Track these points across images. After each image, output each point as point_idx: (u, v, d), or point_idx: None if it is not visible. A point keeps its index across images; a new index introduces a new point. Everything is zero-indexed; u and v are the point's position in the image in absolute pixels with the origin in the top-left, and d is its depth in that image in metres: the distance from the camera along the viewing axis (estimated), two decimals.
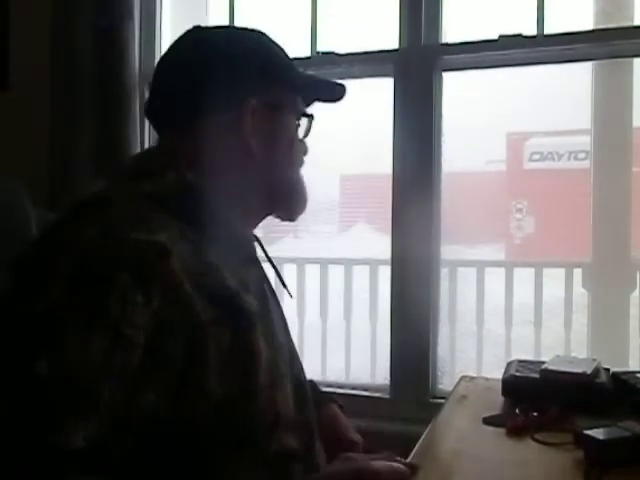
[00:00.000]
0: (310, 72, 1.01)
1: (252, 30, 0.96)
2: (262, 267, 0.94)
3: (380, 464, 0.82)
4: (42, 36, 1.84)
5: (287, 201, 0.96)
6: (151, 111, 0.94)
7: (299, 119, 0.96)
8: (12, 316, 0.69)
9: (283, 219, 0.99)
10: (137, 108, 1.85)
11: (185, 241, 0.78)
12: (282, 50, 0.96)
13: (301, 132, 0.97)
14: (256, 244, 0.96)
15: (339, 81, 0.99)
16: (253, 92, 0.89)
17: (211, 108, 0.88)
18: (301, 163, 0.98)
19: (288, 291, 1.08)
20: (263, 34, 0.96)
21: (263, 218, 0.98)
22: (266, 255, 1.00)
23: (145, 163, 0.90)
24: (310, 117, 0.97)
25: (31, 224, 1.06)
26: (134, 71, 1.86)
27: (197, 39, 0.93)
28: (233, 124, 0.88)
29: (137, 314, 0.69)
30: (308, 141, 0.99)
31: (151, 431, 0.71)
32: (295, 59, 0.98)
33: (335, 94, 0.99)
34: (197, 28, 0.95)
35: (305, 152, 0.99)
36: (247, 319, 0.80)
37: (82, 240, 0.73)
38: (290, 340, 0.95)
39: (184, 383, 0.72)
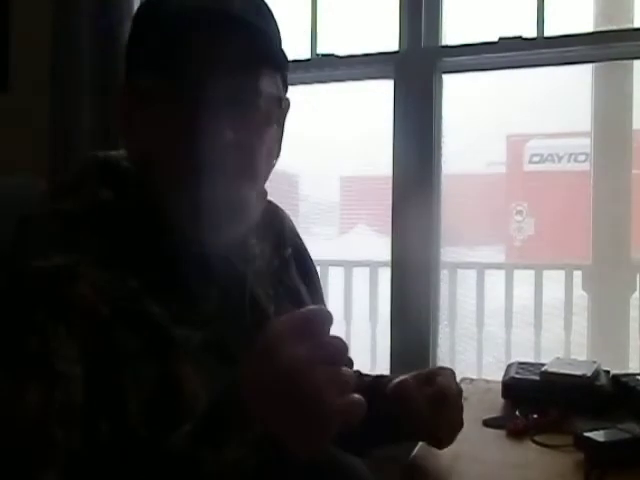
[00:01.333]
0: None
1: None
2: (240, 276, 0.80)
3: (323, 377, 0.57)
4: (42, 36, 1.83)
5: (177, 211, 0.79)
6: None
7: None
8: None
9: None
10: None
11: (102, 263, 0.69)
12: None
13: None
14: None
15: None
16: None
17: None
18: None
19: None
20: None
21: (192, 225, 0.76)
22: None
23: (72, 175, 0.81)
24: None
25: None
26: None
27: None
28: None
29: (65, 346, 0.64)
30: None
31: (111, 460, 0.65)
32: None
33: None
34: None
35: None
36: (173, 354, 0.69)
37: None
38: None
39: (125, 407, 0.66)
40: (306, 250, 0.98)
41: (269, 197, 0.88)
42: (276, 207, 0.97)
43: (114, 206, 0.75)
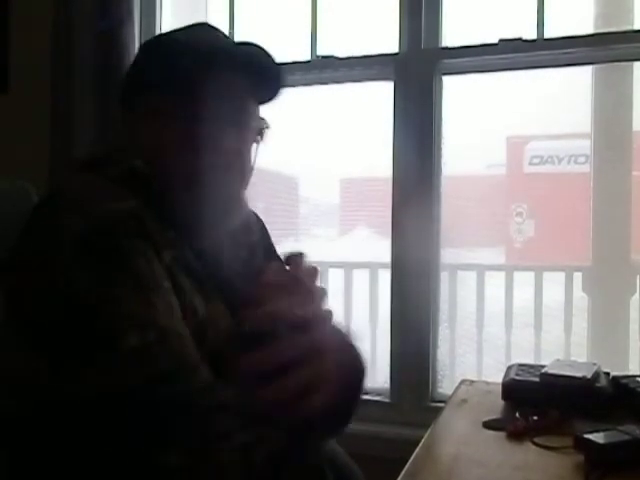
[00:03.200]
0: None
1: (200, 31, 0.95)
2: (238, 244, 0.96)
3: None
4: (42, 37, 1.84)
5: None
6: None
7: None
8: (71, 314, 0.70)
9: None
10: None
11: (147, 214, 0.79)
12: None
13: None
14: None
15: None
16: (148, 85, 0.90)
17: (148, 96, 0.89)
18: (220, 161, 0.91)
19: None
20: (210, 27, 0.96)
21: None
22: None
23: (99, 153, 0.94)
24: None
25: None
26: None
27: (157, 40, 1.00)
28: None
29: (158, 267, 0.75)
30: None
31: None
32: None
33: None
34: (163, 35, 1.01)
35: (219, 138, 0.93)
36: (209, 292, 0.84)
37: (70, 231, 0.73)
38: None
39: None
40: (264, 228, 1.10)
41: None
42: None
43: (147, 172, 0.86)
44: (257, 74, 0.89)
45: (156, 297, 0.72)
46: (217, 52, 0.88)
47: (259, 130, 0.93)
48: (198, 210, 0.86)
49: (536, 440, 0.99)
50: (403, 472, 0.91)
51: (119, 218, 0.74)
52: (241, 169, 0.91)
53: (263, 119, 0.94)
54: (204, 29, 0.95)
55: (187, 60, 0.86)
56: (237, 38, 2.00)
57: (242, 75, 0.88)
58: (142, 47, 0.99)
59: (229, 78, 0.88)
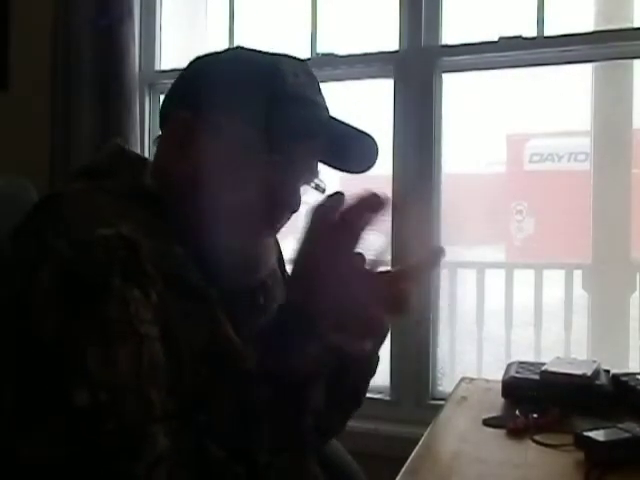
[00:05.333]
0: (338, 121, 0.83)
1: (286, 65, 0.83)
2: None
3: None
4: (42, 36, 1.84)
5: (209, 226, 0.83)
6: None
7: (265, 156, 0.81)
8: (18, 349, 0.66)
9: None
10: (137, 108, 1.85)
11: (149, 230, 0.74)
12: (309, 94, 0.82)
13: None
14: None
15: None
16: (195, 106, 0.81)
17: (170, 115, 0.84)
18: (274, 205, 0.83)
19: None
20: (288, 58, 0.84)
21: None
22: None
23: (102, 162, 0.86)
24: (277, 164, 0.81)
25: None
26: (134, 71, 1.86)
27: (220, 55, 0.87)
28: (174, 134, 0.84)
29: (141, 309, 0.68)
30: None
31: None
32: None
33: (355, 160, 0.85)
34: (237, 50, 0.88)
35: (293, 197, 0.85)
36: (215, 312, 0.77)
37: (53, 254, 0.68)
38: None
39: (186, 366, 0.72)
40: (281, 254, 1.03)
41: None
42: None
43: (153, 189, 0.81)
44: (354, 163, 0.85)
45: (123, 348, 0.65)
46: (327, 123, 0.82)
47: (313, 186, 0.87)
48: (212, 229, 0.79)
49: (536, 438, 0.99)
50: (403, 470, 0.91)
51: (107, 248, 0.68)
52: (276, 207, 0.82)
53: (321, 180, 0.87)
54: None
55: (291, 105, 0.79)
56: (237, 37, 2.01)
57: (336, 150, 0.82)
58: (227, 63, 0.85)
59: (321, 146, 0.82)
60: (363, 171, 0.86)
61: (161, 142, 0.87)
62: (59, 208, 0.75)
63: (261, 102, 0.80)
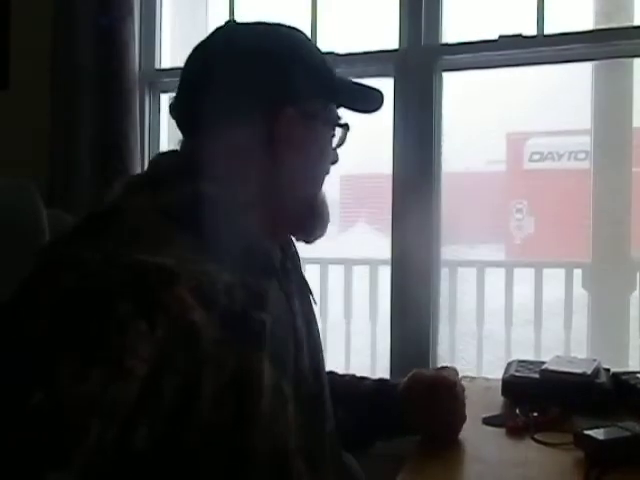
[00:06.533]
0: (345, 76, 0.92)
1: (288, 27, 0.89)
2: (288, 275, 0.90)
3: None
4: (42, 36, 1.83)
5: (308, 220, 0.89)
6: (177, 110, 0.87)
7: (334, 129, 0.89)
8: (6, 343, 0.66)
9: (299, 239, 0.93)
10: (137, 107, 1.85)
11: (199, 261, 0.73)
12: (318, 50, 0.89)
13: (334, 142, 0.91)
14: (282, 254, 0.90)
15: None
16: (291, 98, 0.82)
17: (244, 113, 0.82)
18: (327, 172, 0.91)
19: (313, 298, 0.98)
20: (299, 31, 0.90)
21: (283, 233, 0.91)
22: (294, 264, 0.94)
23: (161, 170, 0.84)
24: (346, 127, 0.90)
25: (44, 225, 1.06)
26: (134, 71, 1.86)
27: (231, 38, 0.87)
28: (265, 132, 0.82)
29: (140, 344, 0.66)
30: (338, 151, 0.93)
31: (138, 467, 0.68)
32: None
33: (372, 104, 0.93)
34: (230, 24, 0.90)
35: (335, 161, 0.93)
36: (254, 339, 0.76)
37: (82, 262, 0.69)
38: (317, 346, 0.92)
39: (177, 418, 0.69)
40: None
41: None
42: None
43: (210, 201, 0.78)
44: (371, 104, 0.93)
45: (98, 371, 0.63)
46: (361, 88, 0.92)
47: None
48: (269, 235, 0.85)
49: (536, 436, 1.00)
50: (403, 468, 0.91)
51: (136, 274, 0.68)
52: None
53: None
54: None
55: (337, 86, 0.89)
56: None
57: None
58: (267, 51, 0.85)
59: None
60: (377, 109, 0.93)
61: (247, 144, 0.83)
62: (112, 225, 0.74)
63: (325, 77, 0.87)
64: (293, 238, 0.94)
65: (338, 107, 0.90)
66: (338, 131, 0.90)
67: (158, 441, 0.67)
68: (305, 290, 0.95)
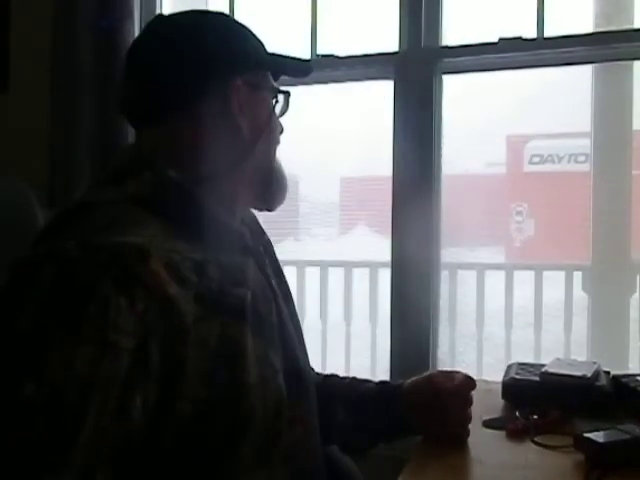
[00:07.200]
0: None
1: (216, 13, 0.96)
2: (261, 254, 0.93)
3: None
4: (42, 36, 1.83)
5: (268, 188, 0.93)
6: (126, 106, 0.93)
7: (276, 97, 0.94)
8: None
9: (261, 209, 0.97)
10: None
11: (168, 239, 0.76)
12: (247, 29, 0.94)
13: (278, 109, 0.95)
14: (249, 232, 0.94)
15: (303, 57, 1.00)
16: (237, 70, 0.87)
17: (195, 92, 0.85)
18: (278, 142, 0.96)
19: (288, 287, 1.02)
20: (227, 15, 0.99)
21: (247, 203, 0.95)
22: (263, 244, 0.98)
23: (124, 163, 0.87)
24: (287, 93, 0.95)
25: (38, 225, 1.06)
26: None
27: (166, 28, 0.91)
28: (220, 105, 0.86)
29: (122, 318, 0.68)
30: (284, 124, 0.98)
31: (139, 441, 0.69)
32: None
33: (301, 71, 0.99)
34: (160, 17, 0.94)
35: (281, 131, 0.97)
36: (234, 314, 0.78)
37: (60, 253, 0.71)
38: (297, 327, 0.94)
39: (166, 387, 0.71)
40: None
41: None
42: None
43: (176, 185, 0.82)
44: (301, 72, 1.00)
45: (83, 350, 0.65)
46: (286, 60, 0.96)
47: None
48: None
49: (536, 439, 0.99)
50: (404, 470, 0.91)
51: (111, 254, 0.70)
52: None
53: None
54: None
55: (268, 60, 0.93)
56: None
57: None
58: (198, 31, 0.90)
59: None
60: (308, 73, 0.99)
61: (198, 120, 0.86)
62: (84, 218, 0.77)
63: (259, 51, 0.92)
64: (256, 212, 0.99)
65: (274, 77, 0.95)
66: (280, 99, 0.95)
67: (152, 411, 0.69)
68: (281, 275, 0.97)
